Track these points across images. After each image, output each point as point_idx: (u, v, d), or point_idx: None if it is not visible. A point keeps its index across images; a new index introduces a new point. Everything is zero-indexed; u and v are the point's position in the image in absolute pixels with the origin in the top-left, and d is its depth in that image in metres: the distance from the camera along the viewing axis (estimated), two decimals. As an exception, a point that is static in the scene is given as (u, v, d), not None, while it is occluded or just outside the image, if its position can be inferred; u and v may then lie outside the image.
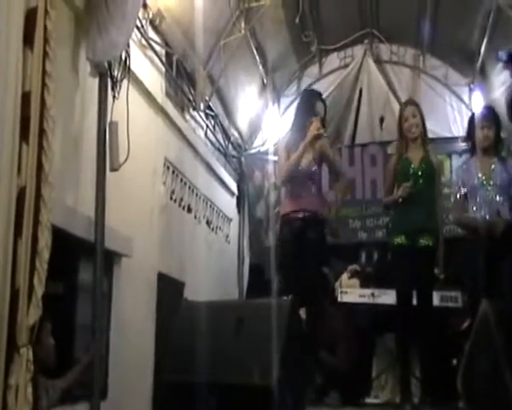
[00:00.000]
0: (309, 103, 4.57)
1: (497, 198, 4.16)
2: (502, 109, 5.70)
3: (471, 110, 6.69)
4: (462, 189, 4.28)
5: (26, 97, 2.71)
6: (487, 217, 4.12)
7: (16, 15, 2.70)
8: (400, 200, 4.28)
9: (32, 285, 2.63)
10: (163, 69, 5.32)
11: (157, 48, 5.14)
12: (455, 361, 4.75)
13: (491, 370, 3.18)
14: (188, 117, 6.05)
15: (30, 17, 2.75)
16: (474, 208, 4.20)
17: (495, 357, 3.12)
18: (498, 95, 6.17)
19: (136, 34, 4.62)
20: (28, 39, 2.75)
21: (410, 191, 4.23)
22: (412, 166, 4.36)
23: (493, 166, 4.24)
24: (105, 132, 4.01)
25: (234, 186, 7.54)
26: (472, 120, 4.48)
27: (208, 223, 6.61)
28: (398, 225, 4.39)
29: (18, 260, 2.62)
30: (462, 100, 7.33)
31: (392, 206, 4.50)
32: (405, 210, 4.31)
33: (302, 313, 4.15)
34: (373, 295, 5.18)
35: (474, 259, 4.07)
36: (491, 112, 4.46)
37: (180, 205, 5.75)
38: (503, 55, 3.54)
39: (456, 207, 4.42)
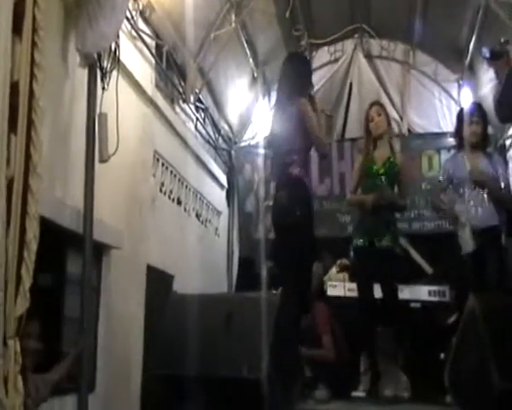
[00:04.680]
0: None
1: (483, 193, 4.19)
2: (490, 106, 5.73)
3: (460, 106, 6.72)
4: (445, 175, 4.33)
5: (14, 87, 2.68)
6: (473, 210, 4.15)
7: (5, 5, 2.67)
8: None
9: (20, 276, 2.61)
10: (153, 61, 5.30)
11: (147, 39, 5.12)
12: (442, 355, 4.78)
13: (477, 364, 3.21)
14: (178, 109, 6.03)
15: (19, 7, 2.72)
16: (461, 201, 4.23)
17: (482, 351, 3.15)
18: (487, 91, 6.20)
19: (126, 25, 4.59)
20: (17, 29, 2.72)
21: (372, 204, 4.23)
22: (375, 166, 4.37)
23: (479, 161, 4.27)
24: (94, 124, 3.99)
25: (224, 179, 7.53)
26: (460, 115, 4.50)
27: (198, 216, 6.60)
28: (360, 227, 4.40)
29: (6, 251, 2.60)
30: (451, 96, 7.36)
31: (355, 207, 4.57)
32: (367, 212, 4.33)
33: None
34: (362, 289, 5.17)
35: (461, 254, 4.09)
36: (479, 108, 4.48)
37: (170, 198, 5.74)
38: (486, 52, 3.54)
39: (435, 190, 4.45)
